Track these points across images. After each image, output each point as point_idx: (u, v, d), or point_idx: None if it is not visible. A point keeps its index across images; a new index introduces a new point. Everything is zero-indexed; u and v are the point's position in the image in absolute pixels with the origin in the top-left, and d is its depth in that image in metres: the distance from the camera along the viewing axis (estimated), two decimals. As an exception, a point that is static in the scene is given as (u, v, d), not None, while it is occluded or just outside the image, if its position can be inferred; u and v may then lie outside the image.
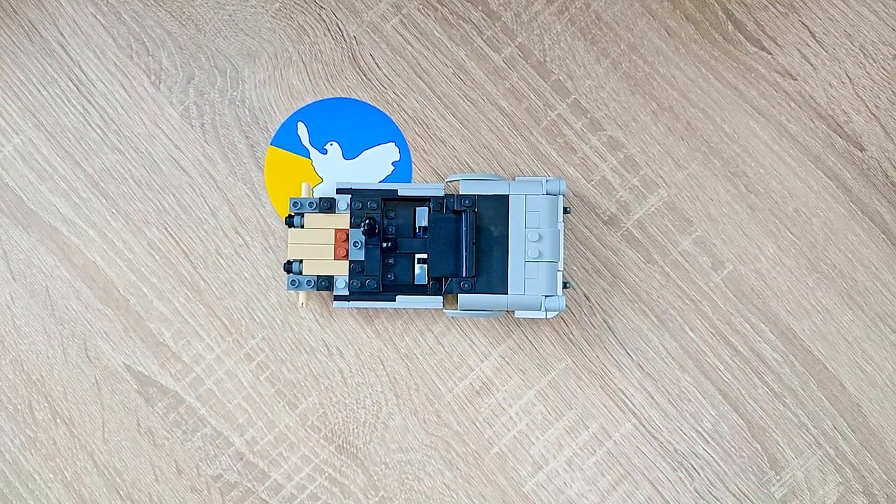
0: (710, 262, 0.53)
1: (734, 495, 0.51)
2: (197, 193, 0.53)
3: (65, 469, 0.52)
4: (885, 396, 0.52)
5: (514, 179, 0.51)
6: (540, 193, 0.49)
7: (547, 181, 0.49)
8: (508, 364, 0.52)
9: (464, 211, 0.49)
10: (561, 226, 0.49)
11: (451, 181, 0.52)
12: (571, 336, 0.52)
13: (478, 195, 0.49)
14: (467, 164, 0.53)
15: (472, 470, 0.52)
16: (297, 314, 0.52)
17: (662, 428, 0.52)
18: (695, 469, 0.52)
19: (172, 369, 0.52)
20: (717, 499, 0.51)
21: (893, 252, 0.53)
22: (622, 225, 0.53)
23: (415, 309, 0.52)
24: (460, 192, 0.50)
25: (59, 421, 0.52)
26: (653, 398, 0.52)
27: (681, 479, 0.52)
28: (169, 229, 0.53)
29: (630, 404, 0.52)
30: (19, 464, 0.52)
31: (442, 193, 0.50)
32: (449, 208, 0.50)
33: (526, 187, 0.50)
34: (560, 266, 0.49)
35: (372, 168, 0.53)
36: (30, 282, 0.53)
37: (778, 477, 0.51)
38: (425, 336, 0.52)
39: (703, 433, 0.52)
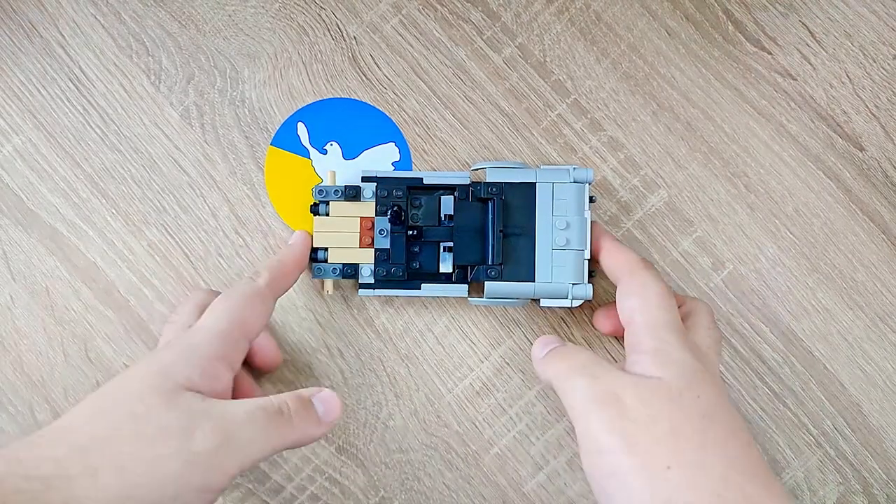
0: (710, 262, 0.53)
1: (734, 495, 0.51)
2: (197, 194, 0.53)
3: (65, 469, 0.52)
4: (885, 396, 0.52)
5: (539, 167, 0.50)
6: (567, 181, 0.49)
7: (574, 169, 0.49)
8: (509, 364, 0.52)
9: (491, 199, 0.49)
10: (588, 214, 0.49)
11: (475, 169, 0.52)
12: (571, 336, 0.52)
13: (504, 183, 0.49)
14: (467, 164, 0.53)
15: (472, 470, 0.52)
16: (298, 315, 0.52)
17: (662, 428, 0.52)
18: (695, 469, 0.52)
19: (173, 370, 0.52)
20: (717, 499, 0.51)
21: (893, 252, 0.53)
22: (622, 225, 0.53)
23: (429, 299, 0.52)
24: (487, 180, 0.49)
25: (59, 421, 0.52)
26: (653, 398, 0.52)
27: (681, 479, 0.51)
28: (169, 230, 0.53)
29: (630, 404, 0.52)
30: (20, 464, 0.52)
31: (468, 181, 0.50)
32: (475, 196, 0.50)
33: (553, 175, 0.49)
34: (587, 254, 0.49)
35: (372, 168, 0.53)
36: (30, 282, 0.53)
37: (778, 477, 0.51)
38: (425, 337, 0.52)
39: (704, 433, 0.52)
